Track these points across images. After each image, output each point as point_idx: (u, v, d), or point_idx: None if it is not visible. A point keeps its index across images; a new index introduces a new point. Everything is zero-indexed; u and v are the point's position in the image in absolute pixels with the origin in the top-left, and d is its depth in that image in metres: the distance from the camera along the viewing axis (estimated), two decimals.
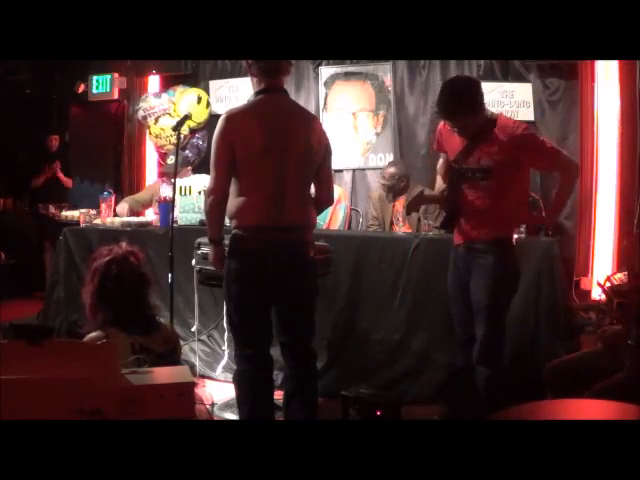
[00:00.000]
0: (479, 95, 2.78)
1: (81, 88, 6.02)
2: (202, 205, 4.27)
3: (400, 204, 4.50)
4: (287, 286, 2.67)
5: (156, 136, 5.32)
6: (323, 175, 2.77)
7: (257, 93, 2.67)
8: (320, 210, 2.90)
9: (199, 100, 5.31)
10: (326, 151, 2.76)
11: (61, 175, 6.15)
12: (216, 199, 2.61)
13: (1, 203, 6.50)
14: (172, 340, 2.46)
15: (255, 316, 2.69)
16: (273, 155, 2.58)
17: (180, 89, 5.43)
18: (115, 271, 2.33)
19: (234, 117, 2.62)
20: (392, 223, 4.49)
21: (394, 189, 4.49)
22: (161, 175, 5.04)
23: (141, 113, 5.37)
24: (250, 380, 2.72)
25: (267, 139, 2.57)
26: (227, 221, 2.73)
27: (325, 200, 2.85)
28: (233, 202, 2.63)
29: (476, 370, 2.86)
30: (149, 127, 5.32)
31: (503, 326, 2.87)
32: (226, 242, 2.72)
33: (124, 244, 2.46)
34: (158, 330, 2.38)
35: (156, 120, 5.28)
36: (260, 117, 2.61)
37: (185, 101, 5.30)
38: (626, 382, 2.12)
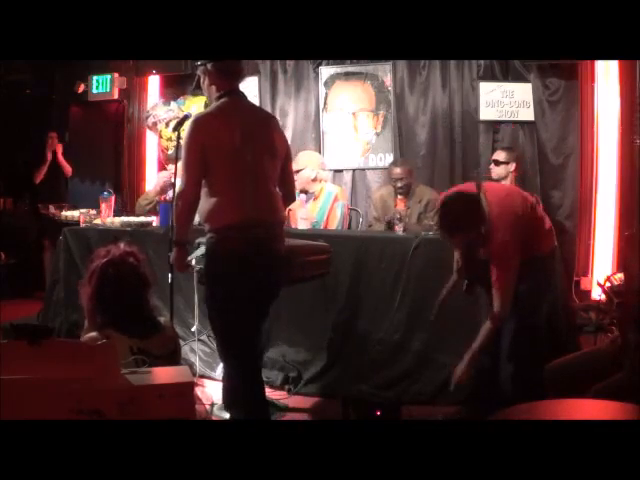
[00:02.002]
0: (480, 211, 2.79)
1: (81, 88, 6.02)
2: None
3: (401, 204, 4.50)
4: (269, 281, 2.74)
5: (167, 139, 5.31)
6: (286, 173, 2.88)
7: (219, 97, 2.73)
8: (286, 206, 3.00)
9: (207, 105, 5.30)
10: (288, 150, 2.91)
11: (62, 159, 6.16)
12: (187, 202, 2.65)
13: (1, 203, 6.49)
14: (172, 342, 2.41)
15: (245, 321, 2.70)
16: (243, 155, 2.64)
17: (189, 97, 5.44)
18: (113, 273, 2.30)
19: (203, 120, 2.68)
20: (393, 223, 4.49)
21: (407, 187, 4.52)
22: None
23: (151, 119, 5.37)
24: (242, 399, 2.75)
25: (236, 140, 2.63)
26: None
27: (289, 197, 2.95)
28: (206, 204, 2.64)
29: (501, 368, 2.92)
30: (160, 132, 5.32)
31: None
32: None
33: (122, 245, 2.42)
34: (158, 332, 2.34)
35: (167, 124, 5.28)
36: (228, 119, 2.67)
37: (194, 107, 5.29)
38: (626, 382, 2.12)
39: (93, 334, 2.22)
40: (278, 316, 3.97)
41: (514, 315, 2.86)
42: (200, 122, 2.66)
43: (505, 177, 4.47)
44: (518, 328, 2.91)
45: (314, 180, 4.53)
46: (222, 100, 2.71)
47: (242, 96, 2.80)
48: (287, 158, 2.89)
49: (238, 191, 2.63)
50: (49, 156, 6.13)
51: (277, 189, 2.83)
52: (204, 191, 2.65)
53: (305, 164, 4.50)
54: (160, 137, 5.35)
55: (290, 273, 2.99)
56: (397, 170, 4.57)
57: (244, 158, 2.64)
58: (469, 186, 3.01)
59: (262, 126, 2.76)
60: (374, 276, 3.77)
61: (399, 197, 4.54)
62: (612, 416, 1.70)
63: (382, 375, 3.61)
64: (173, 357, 2.36)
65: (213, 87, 2.75)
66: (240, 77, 2.77)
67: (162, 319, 2.49)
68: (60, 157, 6.17)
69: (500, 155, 4.49)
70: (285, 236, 2.89)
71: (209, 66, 2.70)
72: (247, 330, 2.72)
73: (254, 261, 2.64)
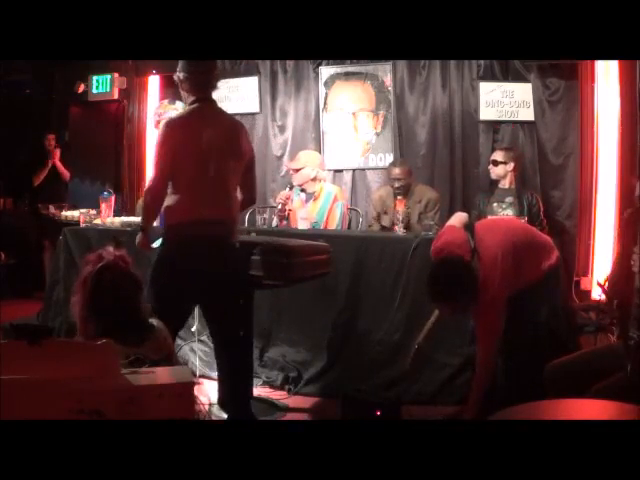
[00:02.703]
0: (470, 276, 2.81)
1: (81, 88, 6.02)
2: None
3: (400, 204, 4.50)
4: (215, 275, 2.82)
5: None
6: (248, 177, 3.05)
7: (191, 103, 2.93)
8: (244, 208, 3.21)
9: None
10: (252, 155, 3.07)
11: (60, 164, 6.16)
12: (154, 198, 2.89)
13: (1, 203, 6.49)
14: (166, 346, 2.35)
15: (176, 303, 2.82)
16: (205, 158, 2.84)
17: None
18: (109, 278, 2.18)
19: (174, 124, 2.90)
20: (393, 223, 4.49)
21: (405, 188, 4.51)
22: None
23: (156, 118, 5.37)
24: None
25: (200, 144, 2.83)
26: None
27: (249, 200, 3.13)
28: (167, 200, 2.87)
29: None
30: None
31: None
32: None
33: (111, 248, 2.35)
34: (152, 337, 2.28)
35: None
36: (195, 124, 2.88)
37: None
38: (626, 382, 2.12)
39: None
40: (278, 316, 3.99)
41: (513, 323, 2.89)
42: (170, 125, 2.89)
43: (504, 177, 4.48)
44: (518, 332, 2.92)
45: (314, 179, 4.53)
46: (193, 106, 2.92)
47: (212, 103, 2.97)
48: (250, 163, 3.05)
49: (195, 191, 2.84)
50: (49, 161, 6.14)
51: (237, 192, 3.01)
52: (168, 188, 2.87)
53: (305, 163, 4.51)
54: None
55: (290, 273, 3.01)
56: (396, 170, 4.57)
57: (205, 161, 2.84)
58: (462, 238, 2.99)
59: (227, 132, 2.94)
60: (374, 276, 3.77)
61: (398, 197, 4.53)
62: (612, 416, 1.70)
63: (382, 375, 3.61)
64: (169, 359, 2.32)
65: (186, 96, 2.98)
66: (209, 87, 2.93)
67: (154, 321, 2.43)
68: (58, 162, 6.18)
69: (498, 155, 4.51)
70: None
71: (181, 75, 2.91)
72: (169, 318, 2.74)
73: (198, 257, 2.78)
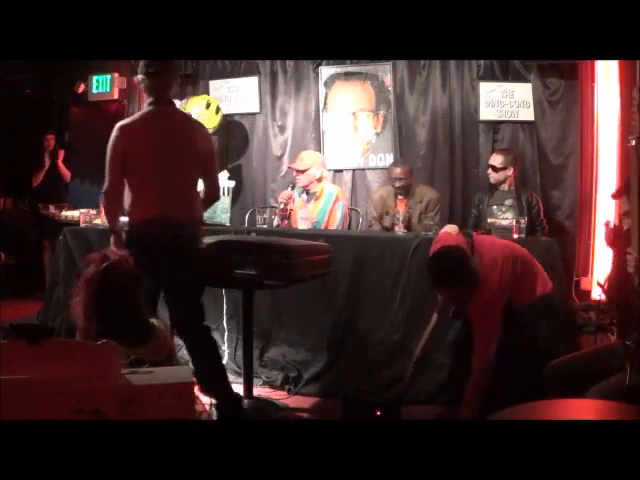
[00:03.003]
0: (468, 266, 2.86)
1: (81, 88, 6.02)
2: None
3: (401, 204, 4.50)
4: (173, 270, 2.92)
5: None
6: (208, 175, 3.14)
7: (149, 104, 3.04)
8: (208, 205, 3.28)
9: (207, 105, 5.29)
10: (210, 154, 3.15)
11: (62, 166, 6.16)
12: (110, 198, 3.02)
13: (1, 203, 6.50)
14: (167, 346, 2.33)
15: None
16: (160, 159, 2.95)
17: (192, 97, 5.44)
18: (114, 278, 2.19)
19: (125, 127, 3.00)
20: (393, 223, 4.49)
21: (406, 188, 4.50)
22: None
23: None
24: None
25: (154, 145, 2.95)
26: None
27: (212, 196, 3.21)
28: (127, 200, 3.01)
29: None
30: None
31: None
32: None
33: (113, 249, 2.36)
34: (153, 337, 2.27)
35: None
36: (148, 126, 2.99)
37: (195, 107, 5.29)
38: (625, 383, 2.12)
39: None
40: (278, 316, 3.99)
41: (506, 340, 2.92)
42: (122, 128, 2.99)
43: (504, 181, 4.46)
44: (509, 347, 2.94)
45: (319, 180, 4.54)
46: (149, 108, 3.04)
47: (169, 104, 3.08)
48: (210, 162, 3.13)
49: (151, 191, 2.96)
50: (47, 161, 6.13)
51: (197, 190, 3.12)
52: (127, 188, 2.99)
53: (311, 163, 4.51)
54: None
55: (290, 273, 3.01)
56: (397, 170, 4.55)
57: (160, 161, 2.96)
58: (460, 240, 3.05)
59: (182, 132, 3.03)
60: (374, 276, 3.77)
61: (399, 197, 4.53)
62: (612, 416, 1.70)
63: (382, 375, 3.61)
64: (170, 360, 2.32)
65: (145, 96, 3.10)
66: (165, 89, 3.04)
67: (155, 321, 2.42)
68: (60, 163, 6.17)
69: (497, 160, 4.45)
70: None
71: (139, 77, 3.02)
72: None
73: (159, 250, 2.87)
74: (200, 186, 3.16)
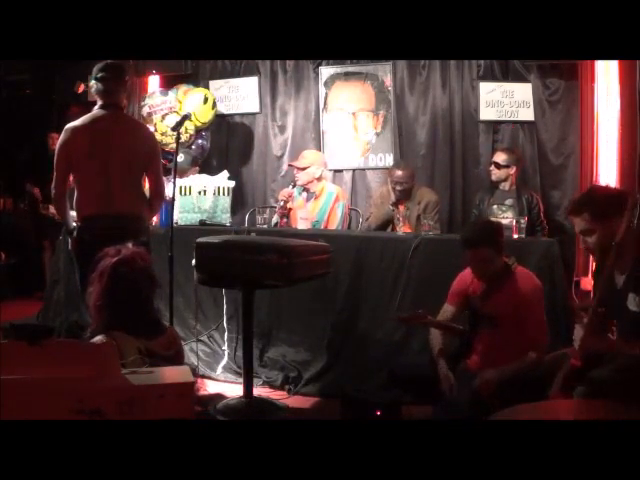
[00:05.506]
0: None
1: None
2: (202, 205, 4.30)
3: (401, 205, 4.49)
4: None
5: (162, 134, 5.26)
6: (150, 174, 3.35)
7: (97, 108, 3.26)
8: (155, 203, 3.42)
9: (205, 100, 5.28)
10: (152, 154, 3.35)
11: None
12: (57, 197, 3.26)
13: (1, 203, 6.49)
14: (176, 343, 2.44)
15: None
16: (101, 159, 3.18)
17: (184, 87, 5.41)
18: (125, 271, 2.30)
19: (71, 130, 3.22)
20: (393, 223, 4.49)
21: (407, 192, 4.43)
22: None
23: (146, 109, 5.33)
24: None
25: (96, 147, 3.17)
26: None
27: (155, 194, 3.38)
28: (74, 198, 3.25)
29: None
30: (155, 124, 5.28)
31: None
32: None
33: (131, 245, 2.43)
34: (163, 333, 2.36)
35: (163, 118, 5.25)
36: (90, 128, 3.21)
37: (191, 100, 5.27)
38: (611, 379, 2.13)
39: (100, 336, 2.20)
40: (278, 316, 3.99)
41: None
42: (68, 130, 3.22)
43: (505, 180, 4.45)
44: None
45: (319, 179, 4.53)
46: (95, 111, 3.27)
47: (115, 109, 3.27)
48: (152, 162, 3.32)
49: (91, 189, 3.20)
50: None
51: (141, 188, 3.37)
52: (75, 187, 3.23)
53: (311, 162, 4.51)
54: (155, 130, 5.33)
55: (290, 273, 3.00)
56: (399, 173, 4.44)
57: (100, 161, 3.17)
58: None
59: (124, 135, 3.24)
60: (374, 276, 3.77)
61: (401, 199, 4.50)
62: (612, 416, 1.70)
63: (382, 375, 3.61)
64: (178, 357, 2.37)
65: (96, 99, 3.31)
66: (113, 93, 3.25)
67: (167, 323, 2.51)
68: None
69: (500, 157, 4.45)
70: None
71: (91, 82, 3.24)
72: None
73: (101, 245, 2.91)
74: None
